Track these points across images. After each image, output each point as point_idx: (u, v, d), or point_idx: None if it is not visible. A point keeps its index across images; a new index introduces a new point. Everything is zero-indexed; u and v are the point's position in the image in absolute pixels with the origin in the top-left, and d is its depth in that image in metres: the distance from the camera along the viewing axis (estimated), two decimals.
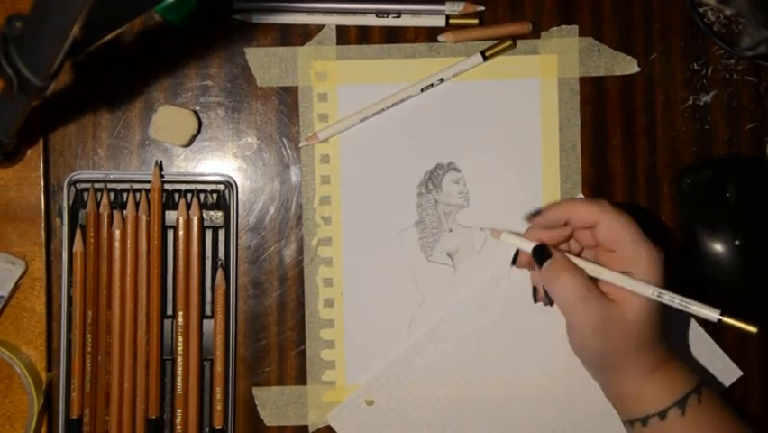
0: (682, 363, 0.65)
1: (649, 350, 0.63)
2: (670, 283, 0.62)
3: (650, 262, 0.62)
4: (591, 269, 0.64)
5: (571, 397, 0.71)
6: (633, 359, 0.63)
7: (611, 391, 0.66)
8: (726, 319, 0.62)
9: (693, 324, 0.72)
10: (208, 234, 0.71)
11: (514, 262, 0.67)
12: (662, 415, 0.63)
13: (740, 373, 0.72)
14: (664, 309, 0.63)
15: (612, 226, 0.63)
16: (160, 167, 0.71)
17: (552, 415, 0.71)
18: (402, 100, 0.71)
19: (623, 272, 0.63)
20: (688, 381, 0.64)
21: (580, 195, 0.72)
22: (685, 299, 0.62)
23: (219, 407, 0.70)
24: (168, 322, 0.71)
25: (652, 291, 0.62)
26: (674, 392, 0.63)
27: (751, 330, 0.61)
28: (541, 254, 0.65)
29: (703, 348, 0.72)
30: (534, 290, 0.68)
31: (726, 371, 0.72)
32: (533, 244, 0.65)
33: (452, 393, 0.71)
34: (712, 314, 0.62)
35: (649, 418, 0.63)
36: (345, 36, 0.72)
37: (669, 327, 0.71)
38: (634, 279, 0.62)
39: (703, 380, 0.65)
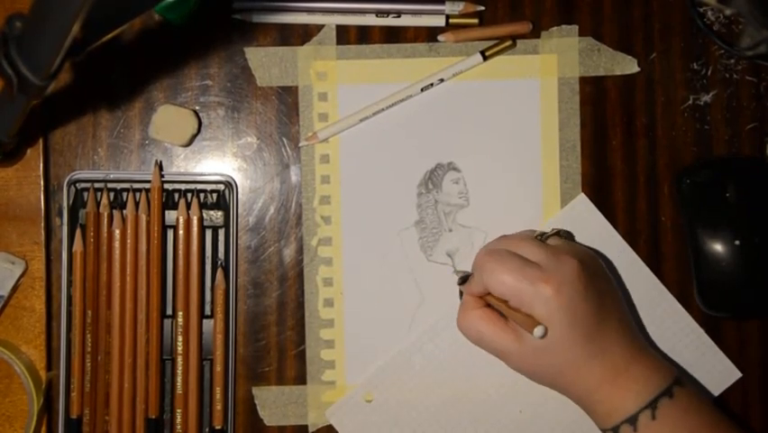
0: (654, 360, 0.64)
1: (594, 360, 0.62)
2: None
3: (535, 308, 0.62)
4: (494, 303, 0.65)
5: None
6: (579, 372, 0.63)
7: (580, 404, 0.65)
8: None
9: (692, 324, 0.72)
10: (208, 233, 0.71)
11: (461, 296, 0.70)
12: (632, 421, 0.62)
13: (739, 375, 0.72)
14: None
15: (490, 285, 0.64)
16: (160, 167, 0.71)
17: (549, 415, 0.71)
18: (402, 100, 0.71)
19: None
20: (658, 380, 0.63)
21: (581, 194, 0.72)
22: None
23: (219, 407, 0.70)
24: (168, 322, 0.71)
25: (534, 331, 0.62)
26: (642, 395, 0.62)
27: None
28: (460, 296, 0.69)
29: (702, 349, 0.72)
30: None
31: (725, 372, 0.72)
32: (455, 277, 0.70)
33: (451, 392, 0.71)
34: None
35: (620, 426, 0.62)
36: (345, 36, 0.72)
37: (669, 328, 0.72)
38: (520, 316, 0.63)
39: (678, 376, 0.64)
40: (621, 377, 0.63)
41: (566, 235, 0.69)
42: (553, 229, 0.69)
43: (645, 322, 0.72)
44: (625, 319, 0.66)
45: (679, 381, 0.64)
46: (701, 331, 0.72)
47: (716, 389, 0.72)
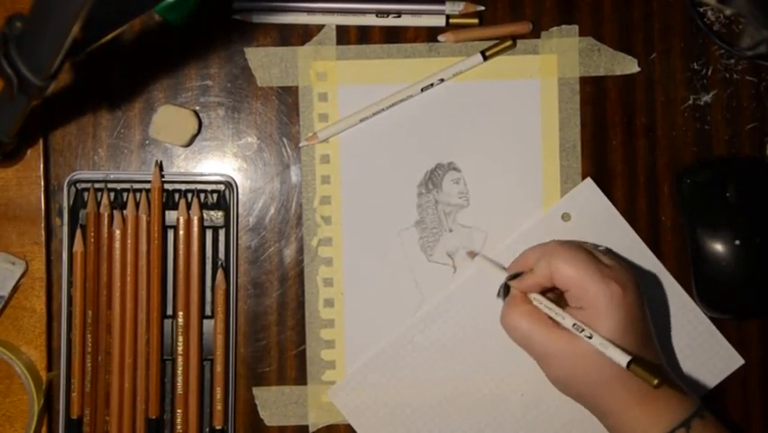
0: (677, 392, 0.64)
1: (628, 378, 0.62)
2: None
3: (599, 303, 0.62)
4: (546, 306, 0.64)
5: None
6: (607, 391, 0.63)
7: (607, 420, 0.65)
8: (634, 367, 0.61)
9: (695, 310, 0.72)
10: (208, 234, 0.71)
11: (500, 294, 0.69)
12: None
13: (742, 362, 0.72)
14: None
15: (559, 271, 0.63)
16: (160, 167, 0.71)
17: (550, 410, 0.71)
18: (402, 100, 0.71)
19: (579, 308, 0.63)
20: (679, 412, 0.63)
21: (588, 179, 0.72)
22: (605, 341, 0.62)
23: (219, 407, 0.70)
24: (168, 322, 0.71)
25: (582, 333, 0.62)
26: (661, 426, 0.62)
27: (653, 383, 0.60)
28: (505, 291, 0.68)
29: (706, 336, 0.72)
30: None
31: (727, 359, 0.72)
32: (502, 274, 0.68)
33: (453, 373, 0.71)
34: (622, 361, 0.61)
35: None
36: (345, 36, 0.72)
37: (672, 313, 0.72)
38: (572, 320, 0.62)
39: (699, 408, 0.64)
40: (658, 395, 0.63)
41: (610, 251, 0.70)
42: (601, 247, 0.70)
43: (648, 307, 0.71)
44: (656, 340, 0.67)
45: (703, 407, 0.64)
46: (704, 317, 0.72)
47: (718, 375, 0.72)
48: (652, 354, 0.64)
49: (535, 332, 0.64)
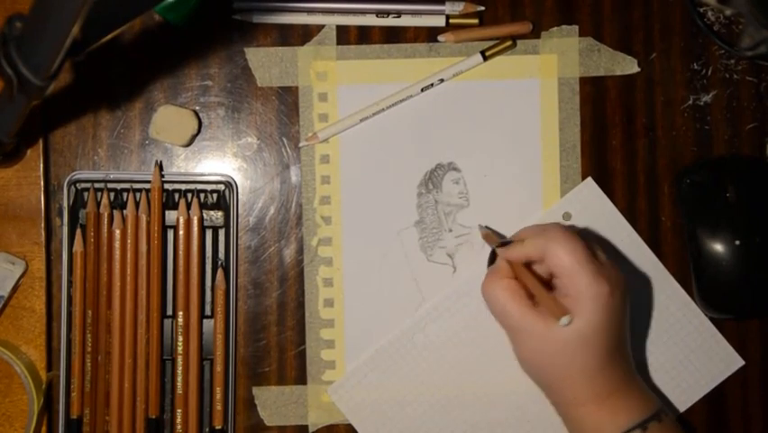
0: (639, 390, 0.65)
1: (594, 375, 0.63)
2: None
3: (585, 297, 0.62)
4: (530, 284, 0.64)
5: None
6: (570, 381, 0.63)
7: (567, 413, 0.65)
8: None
9: (696, 310, 0.72)
10: (208, 234, 0.71)
11: (490, 263, 0.68)
12: None
13: (742, 363, 0.72)
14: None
15: (556, 256, 0.63)
16: (160, 167, 0.71)
17: (549, 410, 0.71)
18: (402, 100, 0.71)
19: (565, 295, 0.63)
20: (636, 413, 0.63)
21: (588, 178, 0.72)
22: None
23: (219, 407, 0.70)
24: (168, 322, 0.71)
25: (562, 321, 0.61)
26: (636, 414, 0.63)
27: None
28: (491, 259, 0.67)
29: (706, 337, 0.72)
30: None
31: (727, 359, 0.72)
32: (495, 242, 0.68)
33: (453, 372, 0.71)
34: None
35: None
36: (345, 36, 0.72)
37: (672, 314, 0.72)
38: (554, 305, 0.62)
39: (658, 411, 0.64)
40: (616, 395, 0.63)
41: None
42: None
43: (648, 307, 0.72)
44: (629, 343, 0.67)
45: (663, 409, 0.65)
46: (704, 317, 0.72)
47: (718, 375, 0.72)
48: (622, 356, 0.65)
49: (513, 307, 0.63)
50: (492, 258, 0.68)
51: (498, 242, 0.67)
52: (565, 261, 0.62)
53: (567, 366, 0.63)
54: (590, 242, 0.66)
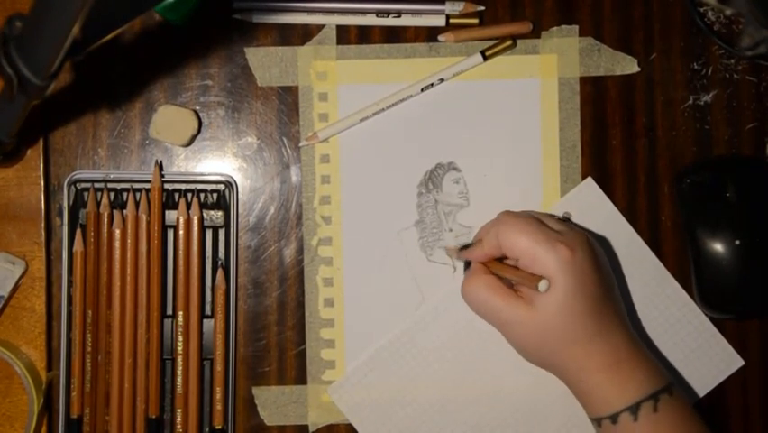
0: (648, 362, 0.64)
1: (588, 342, 0.63)
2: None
3: (549, 268, 0.62)
4: (498, 270, 0.66)
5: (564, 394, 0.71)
6: (580, 350, 0.63)
7: (575, 387, 0.65)
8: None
9: (696, 310, 0.72)
10: (208, 233, 0.71)
11: (466, 268, 0.69)
12: (634, 410, 0.62)
13: (742, 363, 0.72)
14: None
15: (509, 240, 0.64)
16: (160, 167, 0.71)
17: (548, 409, 0.71)
18: (402, 100, 0.71)
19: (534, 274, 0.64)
20: (647, 384, 0.63)
21: (588, 178, 0.72)
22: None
23: (219, 407, 0.70)
24: (168, 322, 0.71)
25: (540, 285, 0.62)
26: (627, 396, 0.62)
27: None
28: (467, 265, 0.69)
29: (706, 336, 0.72)
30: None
31: (727, 359, 0.72)
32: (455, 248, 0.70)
33: (452, 372, 0.71)
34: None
35: (601, 420, 0.63)
36: (345, 36, 0.72)
37: (672, 314, 0.72)
38: (526, 276, 0.63)
39: (669, 384, 0.64)
40: (623, 365, 0.63)
41: (567, 219, 0.71)
42: (564, 214, 0.71)
43: (649, 307, 0.72)
44: (622, 309, 0.67)
45: (673, 383, 0.65)
46: (704, 317, 0.72)
47: (718, 375, 0.72)
48: (614, 322, 0.64)
49: (493, 300, 0.65)
50: (467, 265, 0.70)
51: (456, 250, 0.69)
52: (519, 241, 0.64)
53: (559, 340, 0.63)
54: (539, 214, 0.67)
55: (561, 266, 0.62)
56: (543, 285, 0.62)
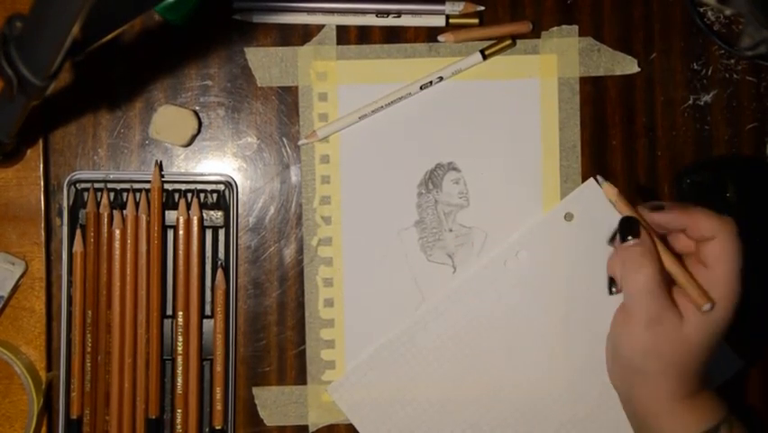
0: (712, 395, 0.64)
1: (689, 375, 0.62)
2: None
3: (726, 293, 0.62)
4: (669, 263, 0.63)
5: (569, 388, 0.71)
6: (673, 376, 0.62)
7: (635, 404, 0.64)
8: None
9: None
10: (208, 234, 0.71)
11: (612, 239, 0.65)
12: (714, 431, 0.62)
13: (742, 363, 0.72)
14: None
15: (724, 248, 0.62)
16: (160, 167, 0.71)
17: (549, 409, 0.71)
18: (401, 98, 0.71)
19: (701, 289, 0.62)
20: (710, 416, 0.62)
21: (591, 179, 0.71)
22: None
23: (219, 407, 0.70)
24: (168, 322, 0.71)
25: (705, 306, 0.61)
26: (716, 414, 0.62)
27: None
28: (629, 229, 0.63)
29: None
30: (611, 280, 0.65)
31: (727, 360, 0.72)
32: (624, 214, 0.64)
33: (453, 371, 0.71)
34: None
35: None
36: (345, 36, 0.72)
37: None
38: (699, 291, 0.62)
39: (728, 413, 0.63)
40: (686, 401, 0.62)
41: None
42: None
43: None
44: None
45: (729, 417, 0.64)
46: None
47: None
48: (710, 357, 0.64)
49: (659, 291, 0.61)
50: (625, 229, 0.63)
51: (630, 209, 0.64)
52: (725, 247, 0.62)
53: (680, 357, 0.61)
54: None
55: (732, 301, 0.62)
56: (707, 307, 0.61)
